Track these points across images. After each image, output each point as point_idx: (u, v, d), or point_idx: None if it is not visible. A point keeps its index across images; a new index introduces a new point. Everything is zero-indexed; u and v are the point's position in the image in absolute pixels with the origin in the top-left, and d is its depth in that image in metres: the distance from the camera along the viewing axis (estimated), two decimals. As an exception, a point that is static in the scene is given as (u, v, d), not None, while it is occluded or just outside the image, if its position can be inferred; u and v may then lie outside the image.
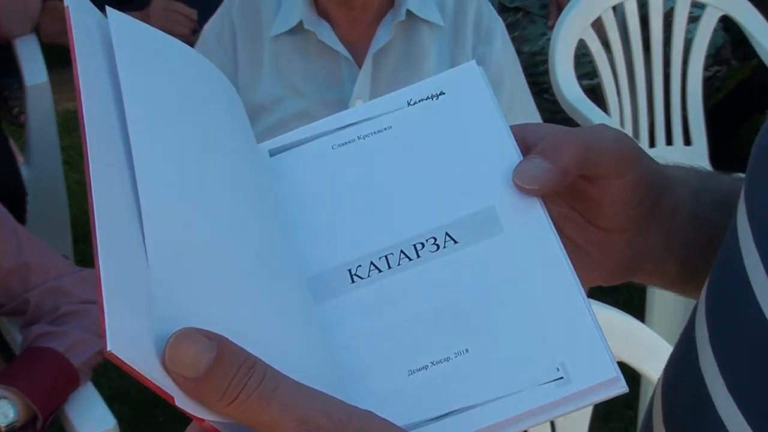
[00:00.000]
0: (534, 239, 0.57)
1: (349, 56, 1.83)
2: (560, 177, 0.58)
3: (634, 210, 0.63)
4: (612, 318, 1.18)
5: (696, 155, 2.41)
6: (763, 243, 0.50)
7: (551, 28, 2.47)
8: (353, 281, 0.57)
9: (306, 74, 1.85)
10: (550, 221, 0.58)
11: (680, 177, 0.66)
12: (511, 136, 0.61)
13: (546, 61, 2.33)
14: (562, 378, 0.52)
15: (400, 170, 0.61)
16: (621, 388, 0.52)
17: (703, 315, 0.55)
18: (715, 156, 2.46)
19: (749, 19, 2.42)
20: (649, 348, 1.17)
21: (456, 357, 0.54)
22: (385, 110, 0.64)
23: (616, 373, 0.52)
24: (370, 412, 0.48)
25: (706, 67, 2.48)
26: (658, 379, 0.62)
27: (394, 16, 1.82)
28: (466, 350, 0.54)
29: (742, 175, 0.58)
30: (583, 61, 2.44)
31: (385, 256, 0.58)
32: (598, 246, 0.64)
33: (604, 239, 0.64)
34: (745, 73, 2.99)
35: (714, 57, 2.69)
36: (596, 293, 1.36)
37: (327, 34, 1.82)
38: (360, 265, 0.58)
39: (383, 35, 1.83)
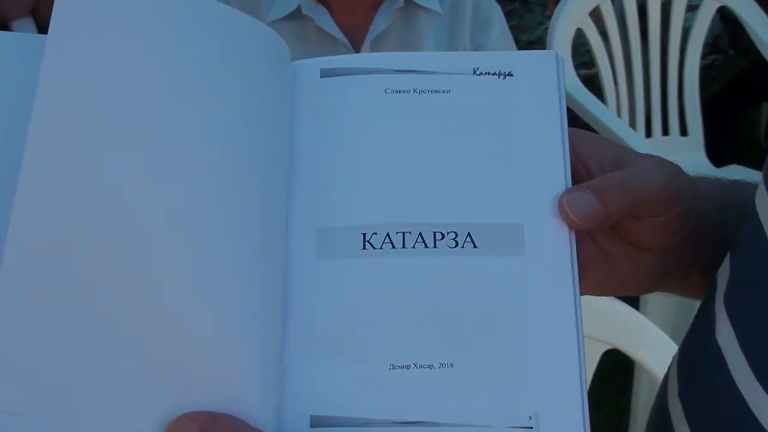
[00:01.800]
0: (551, 277, 0.54)
1: (347, 42, 1.81)
2: (604, 221, 0.56)
3: (671, 239, 0.60)
4: (608, 306, 1.15)
5: (692, 146, 2.40)
6: None
7: (549, 17, 2.46)
8: (364, 247, 0.54)
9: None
10: (575, 261, 0.54)
11: (709, 193, 0.63)
12: (566, 150, 0.57)
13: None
14: (531, 429, 0.50)
15: (444, 143, 0.57)
16: None
17: (722, 294, 0.54)
18: (711, 147, 2.44)
19: (747, 10, 2.41)
20: (643, 336, 1.14)
21: (439, 368, 0.51)
22: (449, 69, 0.59)
23: None
24: None
25: (704, 56, 2.48)
26: (673, 356, 0.60)
27: (392, 2, 1.80)
28: (451, 365, 0.52)
29: (746, 170, 0.57)
30: (581, 51, 2.44)
31: (403, 233, 0.54)
32: (630, 258, 0.61)
33: (637, 253, 0.61)
34: (742, 65, 2.97)
35: (711, 46, 2.68)
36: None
37: (325, 20, 1.79)
38: (376, 233, 0.54)
39: (381, 21, 1.80)
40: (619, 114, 2.34)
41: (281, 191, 0.56)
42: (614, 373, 1.78)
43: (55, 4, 0.53)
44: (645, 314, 1.20)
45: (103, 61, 0.53)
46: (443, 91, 0.58)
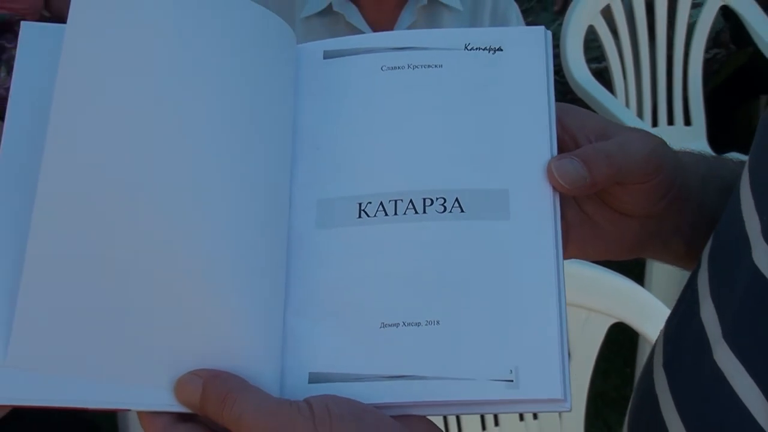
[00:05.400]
0: (534, 241, 0.53)
1: (375, 37, 1.80)
2: (590, 187, 0.56)
3: (653, 206, 0.60)
4: (614, 282, 1.15)
5: (695, 134, 2.39)
6: (764, 211, 0.49)
7: (557, 12, 2.45)
8: (360, 216, 0.54)
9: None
10: (558, 225, 0.54)
11: (691, 165, 0.63)
12: (552, 121, 0.56)
13: (557, 46, 2.30)
14: (511, 381, 0.50)
15: (435, 115, 0.57)
16: (565, 408, 0.50)
17: (705, 272, 0.54)
18: (713, 136, 2.43)
19: (747, 9, 2.40)
20: (647, 309, 1.14)
21: (426, 325, 0.51)
22: (442, 45, 0.58)
23: (563, 394, 0.50)
24: (330, 396, 0.49)
25: (707, 50, 2.46)
26: (661, 329, 0.60)
27: (416, 0, 1.79)
28: (438, 322, 0.51)
29: (744, 158, 0.56)
30: (592, 46, 2.42)
31: (395, 201, 0.54)
32: (613, 224, 0.61)
33: (620, 219, 0.61)
34: (743, 60, 2.95)
35: (714, 40, 2.66)
36: (602, 262, 1.33)
37: (355, 16, 1.80)
38: (370, 203, 0.54)
39: (407, 18, 1.81)
40: (627, 105, 2.33)
41: (285, 166, 0.56)
42: (620, 345, 1.78)
43: (72, 2, 0.54)
44: (649, 290, 1.20)
45: (117, 48, 0.53)
46: (435, 66, 0.58)
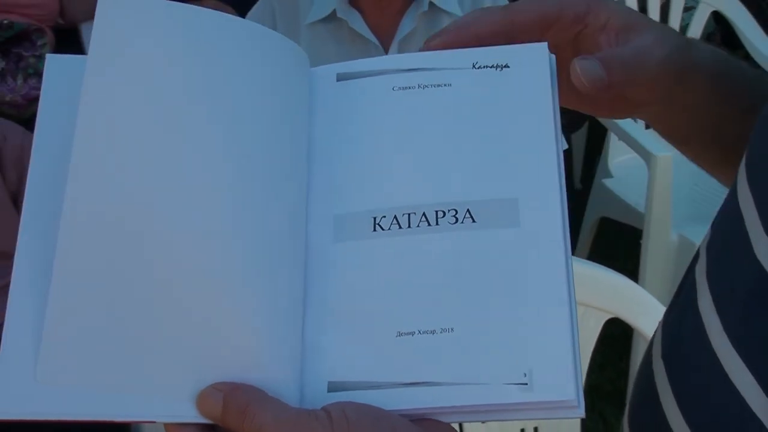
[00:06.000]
0: (544, 245, 0.54)
1: (378, 43, 1.82)
2: (606, 89, 0.58)
3: (659, 103, 0.63)
4: (609, 278, 1.17)
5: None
6: (763, 207, 0.50)
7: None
8: (375, 230, 0.55)
9: (339, 59, 1.82)
10: (566, 230, 0.54)
11: (704, 63, 0.64)
12: (557, 130, 0.57)
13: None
14: (525, 384, 0.50)
15: (445, 132, 0.58)
16: (579, 414, 0.50)
17: (704, 266, 0.55)
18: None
19: (737, 14, 2.42)
20: (641, 305, 1.16)
21: (441, 333, 0.52)
22: (451, 65, 0.59)
23: (576, 396, 0.50)
24: (347, 402, 0.50)
25: (698, 53, 2.47)
26: (660, 321, 0.61)
27: (417, 6, 1.81)
28: (452, 329, 0.52)
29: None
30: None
31: (408, 214, 0.55)
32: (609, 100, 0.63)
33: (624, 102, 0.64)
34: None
35: (705, 42, 2.68)
36: (595, 258, 1.35)
37: (357, 22, 1.81)
38: (384, 216, 0.55)
39: (408, 24, 1.82)
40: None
41: (302, 184, 0.57)
42: (616, 340, 1.79)
43: (93, 31, 0.55)
44: (644, 287, 1.22)
45: (138, 73, 0.55)
46: (445, 85, 0.59)
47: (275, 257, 0.54)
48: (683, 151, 0.70)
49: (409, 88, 0.59)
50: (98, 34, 0.55)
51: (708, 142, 0.67)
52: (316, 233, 0.56)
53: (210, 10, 0.59)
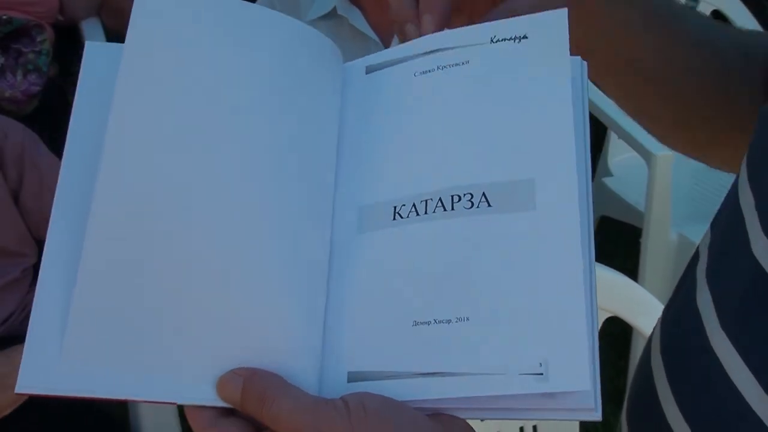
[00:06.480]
0: (561, 229, 0.52)
1: (378, 40, 1.81)
2: None
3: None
4: (609, 278, 1.17)
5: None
6: (763, 206, 0.50)
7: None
8: (395, 218, 0.55)
9: (339, 55, 1.83)
10: (589, 212, 0.53)
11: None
12: (575, 105, 0.54)
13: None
14: (541, 374, 0.49)
15: (462, 112, 0.57)
16: (596, 417, 0.48)
17: (704, 264, 0.55)
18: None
19: (737, 13, 2.42)
20: (640, 304, 1.16)
21: (456, 322, 0.51)
22: (469, 42, 0.58)
23: (592, 387, 0.48)
24: (365, 393, 0.49)
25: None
26: (659, 318, 0.61)
27: (417, 4, 1.80)
28: (467, 318, 0.51)
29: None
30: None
31: (425, 201, 0.54)
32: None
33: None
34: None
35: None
36: (596, 258, 1.34)
37: (358, 20, 1.80)
38: (404, 205, 0.55)
39: (408, 21, 1.81)
40: (622, 105, 2.34)
41: (330, 176, 0.58)
42: (615, 338, 1.79)
43: (131, 20, 0.55)
44: (643, 286, 1.21)
45: (175, 63, 0.55)
46: (462, 63, 0.58)
47: (301, 245, 0.54)
48: (595, 80, 0.66)
49: (429, 71, 0.58)
50: (136, 24, 0.55)
51: (612, 56, 0.65)
52: (342, 224, 0.56)
53: (250, 3, 0.59)
